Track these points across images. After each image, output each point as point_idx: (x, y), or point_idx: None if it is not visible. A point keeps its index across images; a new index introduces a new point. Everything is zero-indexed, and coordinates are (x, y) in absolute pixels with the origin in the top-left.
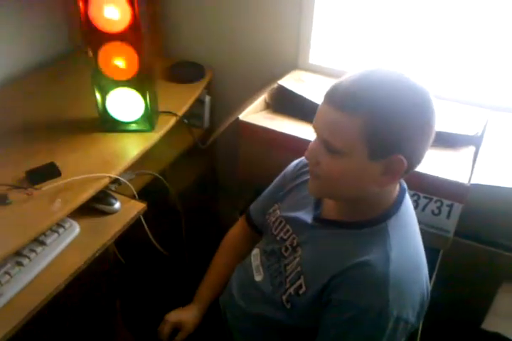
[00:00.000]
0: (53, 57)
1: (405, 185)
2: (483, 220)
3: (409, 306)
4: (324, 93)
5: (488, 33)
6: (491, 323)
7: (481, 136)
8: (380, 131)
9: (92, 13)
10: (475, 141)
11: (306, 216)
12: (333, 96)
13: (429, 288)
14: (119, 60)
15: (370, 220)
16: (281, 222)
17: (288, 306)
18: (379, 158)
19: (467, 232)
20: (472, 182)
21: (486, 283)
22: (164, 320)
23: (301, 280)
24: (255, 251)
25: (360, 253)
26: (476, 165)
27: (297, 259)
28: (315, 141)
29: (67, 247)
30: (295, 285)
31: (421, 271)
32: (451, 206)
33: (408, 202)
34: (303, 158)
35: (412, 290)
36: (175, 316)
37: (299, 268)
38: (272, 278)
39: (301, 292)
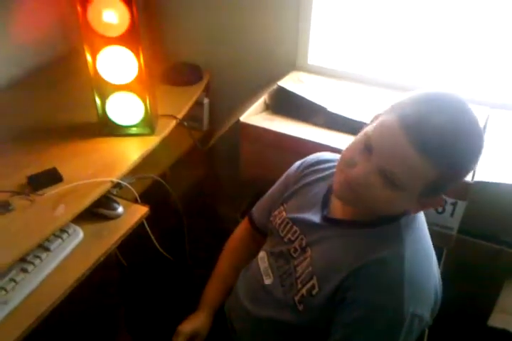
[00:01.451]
0: (50, 59)
1: None
2: (485, 217)
3: (424, 303)
4: (397, 119)
5: (487, 31)
6: (497, 319)
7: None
8: (445, 179)
9: (91, 17)
10: None
11: (314, 216)
12: (421, 141)
13: (441, 283)
14: (118, 64)
15: (383, 219)
16: (287, 224)
17: (300, 308)
18: (427, 195)
19: (470, 230)
20: (475, 179)
21: (491, 280)
22: (177, 331)
23: (314, 281)
24: (262, 254)
25: (374, 251)
26: (478, 163)
27: (307, 260)
28: (368, 161)
29: (71, 253)
30: (307, 286)
31: (433, 268)
32: (455, 204)
33: None
34: (305, 159)
35: (426, 287)
36: (188, 327)
37: (310, 269)
38: (281, 280)
39: (314, 292)
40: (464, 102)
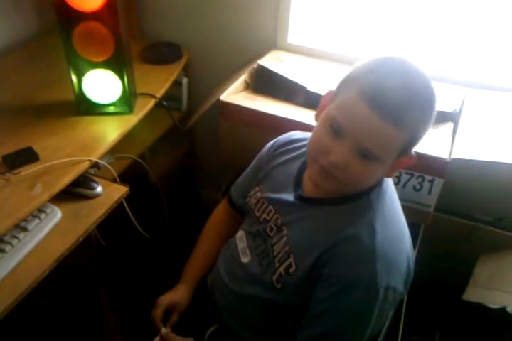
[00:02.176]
0: (24, 38)
1: None
2: (462, 195)
3: (397, 275)
4: (358, 92)
5: (462, 11)
6: (472, 294)
7: (459, 113)
8: (415, 139)
9: None
10: (453, 117)
11: (288, 196)
12: (384, 109)
13: (414, 256)
14: (95, 41)
15: (353, 195)
16: (263, 203)
17: (278, 286)
18: (400, 156)
19: (446, 207)
20: (452, 157)
21: (466, 256)
22: (156, 303)
23: (291, 259)
24: (240, 233)
25: (347, 227)
26: (455, 141)
27: (284, 239)
28: (342, 144)
29: (50, 233)
30: (285, 265)
31: (405, 241)
32: (432, 181)
33: None
34: (277, 139)
35: (399, 260)
36: (166, 299)
37: (287, 248)
38: (259, 259)
39: (291, 271)
40: (412, 63)
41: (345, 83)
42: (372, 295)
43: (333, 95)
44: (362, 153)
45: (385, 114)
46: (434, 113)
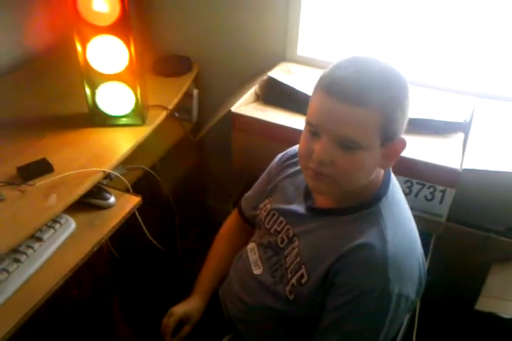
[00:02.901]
0: (36, 52)
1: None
2: (473, 205)
3: (409, 282)
4: (319, 89)
5: (472, 22)
6: (484, 304)
7: (469, 123)
8: (390, 119)
9: (81, 6)
10: (464, 128)
11: (299, 207)
12: (342, 92)
13: (425, 264)
14: (109, 54)
15: (362, 204)
16: (274, 215)
17: (291, 297)
18: (387, 143)
19: (458, 217)
20: (464, 167)
21: (478, 266)
22: (169, 313)
23: (303, 270)
24: (251, 245)
25: (357, 236)
26: (466, 151)
27: (295, 250)
28: (320, 141)
29: (64, 243)
30: (297, 276)
31: (416, 248)
32: (444, 191)
33: (395, 181)
34: (286, 151)
35: (410, 267)
36: (180, 309)
37: (298, 259)
38: (272, 271)
39: (303, 281)
40: (376, 57)
41: (314, 89)
42: (384, 303)
43: None
44: (342, 144)
45: (344, 97)
46: (405, 93)
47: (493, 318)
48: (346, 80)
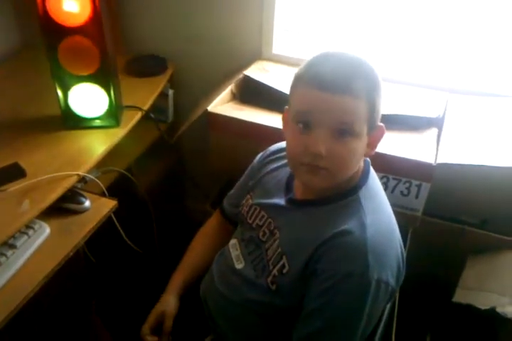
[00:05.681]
0: (4, 53)
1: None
2: (447, 198)
3: (388, 269)
4: (303, 85)
5: (443, 17)
6: (462, 296)
7: (442, 118)
8: (374, 107)
9: (50, 6)
10: (437, 123)
11: (280, 200)
12: (331, 83)
13: (404, 251)
14: (80, 55)
15: (343, 193)
16: (255, 210)
17: (273, 287)
18: (372, 131)
19: (434, 210)
20: (438, 161)
21: (454, 258)
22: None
23: (284, 260)
24: (233, 241)
25: (337, 224)
26: (440, 146)
27: (276, 241)
28: (313, 134)
29: (39, 249)
30: (278, 266)
31: (395, 235)
32: (419, 186)
33: (373, 171)
34: (268, 148)
35: (389, 253)
36: (152, 313)
37: (279, 250)
38: (253, 265)
39: (284, 271)
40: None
41: (292, 88)
42: (364, 289)
43: (288, 108)
44: (337, 131)
45: (334, 88)
46: (380, 83)
47: (470, 310)
48: (331, 72)
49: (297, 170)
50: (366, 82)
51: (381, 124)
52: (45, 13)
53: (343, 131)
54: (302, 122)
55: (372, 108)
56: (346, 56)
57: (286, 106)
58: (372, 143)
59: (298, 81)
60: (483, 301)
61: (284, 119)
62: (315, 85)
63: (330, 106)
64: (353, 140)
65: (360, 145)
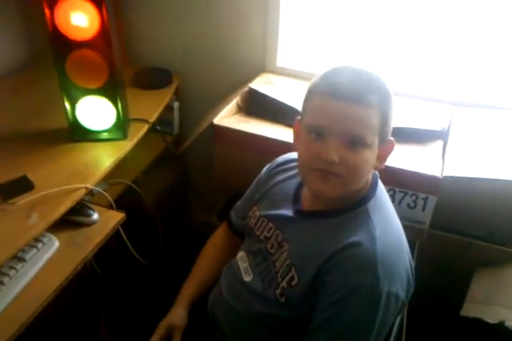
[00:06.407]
0: (13, 66)
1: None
2: (454, 211)
3: (398, 281)
4: (318, 95)
5: (447, 32)
6: (469, 309)
7: (447, 131)
8: (386, 120)
9: (59, 20)
10: (442, 136)
11: (287, 211)
12: (347, 94)
13: (413, 263)
14: (88, 68)
15: (351, 206)
16: (263, 222)
17: (282, 300)
18: (382, 144)
19: (440, 223)
20: (444, 174)
21: (461, 272)
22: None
23: (293, 272)
24: (241, 254)
25: (347, 236)
26: (445, 159)
27: (285, 253)
28: (326, 141)
29: (48, 262)
30: (287, 278)
31: (404, 247)
32: (426, 199)
33: (381, 184)
34: (275, 160)
35: (399, 265)
36: (162, 323)
37: (288, 261)
38: (262, 277)
39: (293, 283)
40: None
41: (306, 101)
42: (374, 301)
43: (300, 120)
44: (350, 141)
45: (349, 99)
46: (392, 98)
47: (479, 324)
48: (347, 83)
49: (308, 176)
50: (380, 95)
51: (391, 138)
52: (54, 27)
53: (355, 141)
54: (315, 132)
55: (385, 121)
56: (360, 70)
57: (298, 117)
58: (382, 157)
59: (312, 92)
60: (491, 315)
61: (295, 131)
62: (330, 95)
63: (344, 116)
64: (365, 150)
65: (371, 156)
